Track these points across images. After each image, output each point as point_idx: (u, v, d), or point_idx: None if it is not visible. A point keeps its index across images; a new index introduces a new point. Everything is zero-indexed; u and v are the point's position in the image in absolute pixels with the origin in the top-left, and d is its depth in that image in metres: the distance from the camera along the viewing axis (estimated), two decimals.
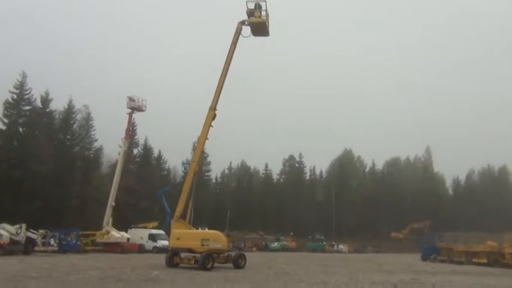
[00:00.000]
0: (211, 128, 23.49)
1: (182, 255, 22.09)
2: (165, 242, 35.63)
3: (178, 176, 72.47)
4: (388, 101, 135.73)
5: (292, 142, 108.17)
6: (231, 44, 24.07)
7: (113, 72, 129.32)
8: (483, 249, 35.06)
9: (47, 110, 53.87)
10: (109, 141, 61.69)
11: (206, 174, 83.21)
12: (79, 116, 59.65)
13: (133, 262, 25.01)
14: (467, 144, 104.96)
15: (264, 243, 64.53)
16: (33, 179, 45.44)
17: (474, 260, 34.93)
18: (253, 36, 24.68)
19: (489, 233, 41.39)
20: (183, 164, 50.51)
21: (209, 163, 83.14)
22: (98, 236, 39.89)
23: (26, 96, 50.75)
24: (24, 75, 50.51)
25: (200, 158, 25.44)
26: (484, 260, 33.86)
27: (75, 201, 49.92)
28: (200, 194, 51.51)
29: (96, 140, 61.80)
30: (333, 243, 68.54)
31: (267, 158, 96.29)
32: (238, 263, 22.43)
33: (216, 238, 21.98)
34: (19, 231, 30.74)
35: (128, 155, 49.66)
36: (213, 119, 23.46)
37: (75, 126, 58.68)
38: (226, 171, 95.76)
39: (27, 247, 30.95)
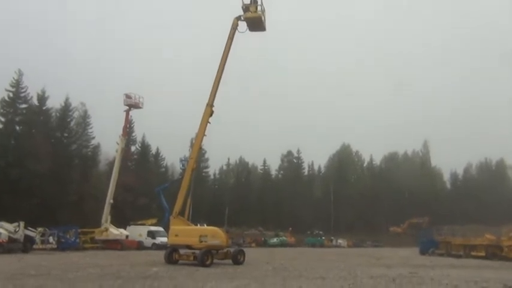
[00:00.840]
0: (208, 124, 23.44)
1: (181, 251, 22.13)
2: (164, 239, 35.63)
3: (176, 173, 72.58)
4: (386, 96, 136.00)
5: (290, 138, 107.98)
6: (227, 40, 23.96)
7: (110, 70, 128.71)
8: (481, 243, 35.11)
9: (44, 108, 53.84)
10: (106, 139, 61.71)
11: (204, 170, 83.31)
12: (76, 114, 59.83)
13: (133, 259, 25.01)
14: (464, 139, 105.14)
15: (263, 239, 64.75)
16: (31, 177, 45.43)
17: (472, 253, 35.01)
18: (249, 32, 24.57)
19: (487, 226, 41.48)
20: (181, 160, 50.70)
21: (207, 159, 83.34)
22: (96, 233, 39.85)
23: (23, 95, 50.75)
24: (20, 74, 50.57)
25: (198, 155, 25.42)
26: (482, 253, 33.90)
27: (73, 198, 49.87)
28: (198, 191, 51.67)
29: (93, 138, 61.98)
30: (332, 238, 68.88)
31: (265, 154, 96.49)
32: (237, 259, 22.46)
33: (213, 234, 22.01)
34: (17, 229, 30.66)
35: (126, 152, 49.67)
36: (211, 115, 23.39)
37: (72, 124, 58.76)
38: (225, 168, 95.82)
39: (26, 245, 30.87)
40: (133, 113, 44.91)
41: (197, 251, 21.12)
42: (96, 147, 63.36)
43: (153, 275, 16.40)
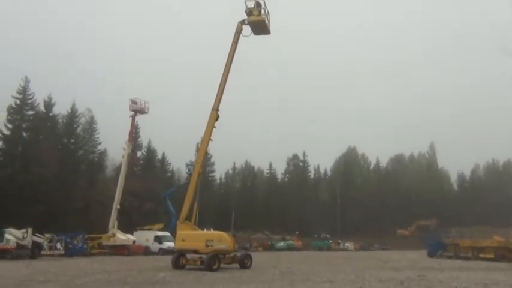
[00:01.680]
0: (214, 128, 23.47)
1: (188, 256, 22.09)
2: (171, 244, 35.68)
3: (183, 178, 72.63)
4: (391, 97, 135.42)
5: (295, 141, 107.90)
6: (232, 44, 23.99)
7: (115, 75, 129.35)
8: (490, 245, 34.85)
9: (50, 115, 54.14)
10: (113, 144, 61.97)
11: (210, 175, 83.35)
12: (82, 120, 60.02)
13: (140, 264, 25.04)
14: (471, 140, 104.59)
15: (269, 242, 64.57)
16: (38, 183, 45.70)
17: (481, 255, 34.74)
18: (254, 35, 24.59)
19: (495, 228, 41.16)
20: (187, 165, 50.85)
21: (213, 164, 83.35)
22: (104, 239, 40.00)
23: (29, 101, 51.02)
24: (26, 80, 50.85)
25: (204, 159, 25.42)
26: (491, 255, 33.64)
27: (80, 204, 50.02)
28: (205, 195, 51.63)
29: (100, 143, 62.12)
30: (339, 241, 68.47)
31: (271, 158, 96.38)
32: (244, 263, 22.42)
33: (220, 238, 21.97)
34: (25, 236, 30.90)
35: (132, 157, 49.82)
36: (216, 119, 23.43)
37: (78, 130, 59.00)
38: (230, 172, 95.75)
39: (34, 251, 31.11)
40: (139, 118, 45.16)
41: (204, 256, 21.11)
42: (103, 153, 63.62)
43: (160, 280, 16.40)
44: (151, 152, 72.87)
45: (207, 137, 23.42)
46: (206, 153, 25.78)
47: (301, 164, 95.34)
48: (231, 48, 23.97)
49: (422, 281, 16.65)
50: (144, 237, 43.16)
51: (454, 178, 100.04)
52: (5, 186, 44.15)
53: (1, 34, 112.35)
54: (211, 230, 36.16)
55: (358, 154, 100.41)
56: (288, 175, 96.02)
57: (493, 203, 78.27)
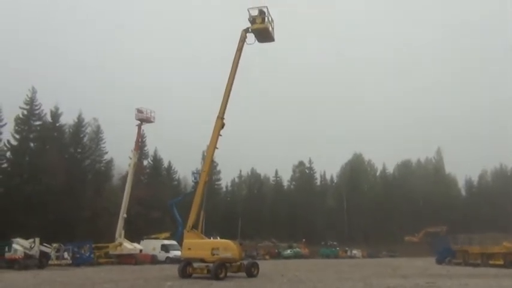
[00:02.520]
0: (220, 137, 23.48)
1: (195, 265, 22.03)
2: (178, 253, 35.59)
3: (189, 186, 72.72)
4: (397, 103, 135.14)
5: (301, 148, 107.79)
6: (236, 52, 24.02)
7: (121, 85, 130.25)
8: (499, 251, 34.39)
9: (57, 125, 54.48)
10: (119, 154, 62.29)
11: (216, 183, 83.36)
12: (89, 130, 60.36)
13: (147, 273, 25.01)
14: (478, 145, 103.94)
15: (276, 250, 64.34)
16: (45, 193, 45.93)
17: (490, 262, 34.33)
18: (258, 43, 24.64)
19: (505, 234, 40.67)
20: (193, 173, 50.83)
21: (219, 172, 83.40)
22: (111, 248, 40.02)
23: (36, 112, 51.40)
24: (33, 91, 51.24)
25: (210, 168, 25.40)
26: (501, 262, 33.21)
27: (87, 213, 50.15)
28: (211, 203, 51.52)
29: (106, 153, 62.41)
30: (346, 248, 68.08)
31: (277, 165, 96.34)
32: (251, 271, 22.29)
33: (226, 247, 21.89)
34: (33, 246, 31.01)
35: (138, 166, 50.01)
36: (222, 128, 23.42)
37: (85, 139, 59.32)
38: (237, 180, 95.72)
39: (41, 261, 31.22)
40: (145, 127, 45.42)
41: (211, 265, 21.05)
42: (109, 162, 63.87)
43: None
44: (157, 160, 73.14)
45: (213, 146, 23.41)
46: (212, 161, 25.75)
47: (307, 171, 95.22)
48: (235, 56, 24.01)
49: None
50: (151, 246, 43.17)
51: (461, 183, 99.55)
52: (13, 196, 44.44)
53: (9, 45, 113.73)
54: (218, 238, 36.08)
55: (365, 160, 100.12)
56: (294, 182, 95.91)
57: (501, 208, 77.58)
